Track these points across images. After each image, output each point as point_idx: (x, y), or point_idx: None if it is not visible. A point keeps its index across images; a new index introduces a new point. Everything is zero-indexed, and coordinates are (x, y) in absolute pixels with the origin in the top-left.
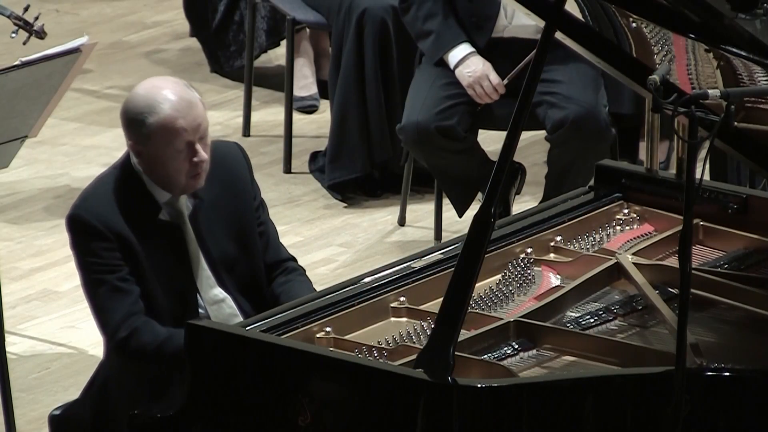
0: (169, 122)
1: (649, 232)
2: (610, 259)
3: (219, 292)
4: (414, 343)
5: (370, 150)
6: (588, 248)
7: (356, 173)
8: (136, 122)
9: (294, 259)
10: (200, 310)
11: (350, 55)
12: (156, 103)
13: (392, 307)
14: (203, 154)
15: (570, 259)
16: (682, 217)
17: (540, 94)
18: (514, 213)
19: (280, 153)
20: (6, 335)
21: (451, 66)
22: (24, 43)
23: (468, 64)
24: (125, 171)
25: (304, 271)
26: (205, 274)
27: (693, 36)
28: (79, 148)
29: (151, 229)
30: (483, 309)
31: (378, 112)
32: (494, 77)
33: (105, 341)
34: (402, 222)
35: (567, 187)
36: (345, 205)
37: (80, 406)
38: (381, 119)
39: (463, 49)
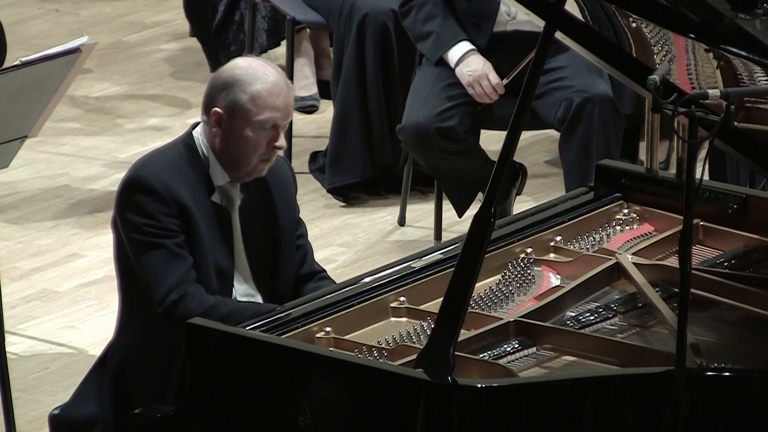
0: (269, 95)
1: (649, 232)
2: (610, 259)
3: (251, 286)
4: (414, 343)
5: (371, 154)
6: (588, 248)
7: (357, 178)
8: (236, 87)
9: (325, 271)
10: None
11: (351, 60)
12: (261, 75)
13: (392, 307)
14: (283, 142)
15: (570, 259)
16: (682, 217)
17: (543, 85)
18: (514, 213)
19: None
20: (6, 335)
21: (452, 64)
22: None
23: (468, 62)
24: (188, 147)
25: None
26: (243, 265)
27: (693, 36)
28: (79, 148)
29: (204, 206)
30: (483, 309)
31: (379, 117)
32: (494, 77)
33: (120, 316)
34: (402, 222)
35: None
36: (345, 205)
37: (90, 391)
38: (382, 124)
39: (463, 47)
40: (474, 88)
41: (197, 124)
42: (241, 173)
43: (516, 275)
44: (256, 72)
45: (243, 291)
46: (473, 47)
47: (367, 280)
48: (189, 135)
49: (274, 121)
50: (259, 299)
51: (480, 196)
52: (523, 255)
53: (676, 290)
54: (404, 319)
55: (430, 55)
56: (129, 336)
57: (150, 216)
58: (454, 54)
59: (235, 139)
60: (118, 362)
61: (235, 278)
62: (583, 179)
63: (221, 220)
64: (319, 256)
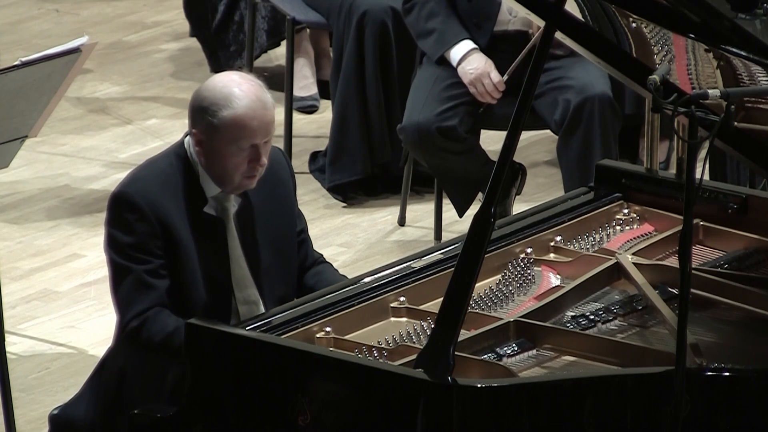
0: (241, 120)
1: (649, 232)
2: (610, 259)
3: (253, 293)
4: (414, 343)
5: (370, 152)
6: (588, 248)
7: (357, 176)
8: (208, 112)
9: (322, 256)
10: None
11: (351, 58)
12: (233, 98)
13: (392, 307)
14: (264, 159)
15: (570, 259)
16: (682, 217)
17: (543, 85)
18: (514, 213)
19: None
20: (6, 335)
21: (454, 63)
22: None
23: (470, 61)
24: (179, 158)
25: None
26: (242, 272)
27: (693, 36)
28: (79, 148)
29: (195, 220)
30: (483, 309)
31: (378, 114)
32: (495, 75)
33: (117, 328)
34: (402, 222)
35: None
36: (345, 205)
37: (88, 395)
38: (381, 121)
39: (465, 46)
40: (476, 87)
41: (189, 132)
42: (229, 188)
43: (516, 275)
44: (230, 95)
45: (243, 299)
46: (475, 46)
47: (367, 280)
48: (181, 145)
49: (251, 143)
50: (260, 305)
51: (480, 196)
52: (523, 255)
53: (676, 290)
54: (404, 319)
55: (432, 53)
56: (126, 345)
57: (131, 234)
58: (456, 53)
59: (215, 160)
60: (117, 371)
61: (234, 287)
62: (583, 179)
63: (214, 232)
64: None
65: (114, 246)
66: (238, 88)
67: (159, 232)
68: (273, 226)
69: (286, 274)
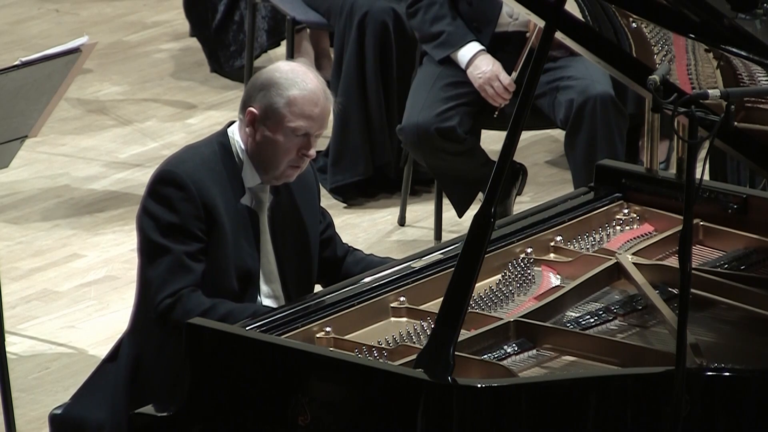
0: (305, 103)
1: (649, 232)
2: (610, 259)
3: (277, 288)
4: (414, 343)
5: (372, 153)
6: (588, 248)
7: (358, 176)
8: (272, 90)
9: (347, 245)
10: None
11: (351, 59)
12: (300, 81)
13: (392, 307)
14: (313, 152)
15: (570, 259)
16: (682, 217)
17: (543, 84)
18: (514, 213)
19: None
20: (6, 335)
21: (462, 65)
22: None
23: (477, 64)
24: (222, 146)
25: None
26: (270, 267)
27: (693, 36)
28: (78, 148)
29: (232, 209)
30: (483, 309)
31: (379, 116)
32: (504, 77)
33: (136, 311)
34: (402, 222)
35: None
36: (345, 205)
37: (98, 387)
38: (382, 122)
39: (472, 48)
40: (486, 90)
41: (232, 123)
42: (270, 176)
43: (516, 275)
44: (296, 77)
45: (267, 292)
46: (482, 47)
47: (367, 280)
48: (224, 134)
49: (306, 130)
50: (282, 301)
51: (480, 196)
52: (523, 255)
53: (676, 290)
54: (404, 319)
55: (438, 53)
56: (145, 331)
57: (175, 212)
58: (464, 54)
59: (266, 142)
60: (132, 358)
61: (261, 279)
62: (591, 179)
63: (249, 222)
64: None
65: (153, 223)
66: (303, 74)
67: (202, 215)
68: (300, 228)
69: (306, 275)
